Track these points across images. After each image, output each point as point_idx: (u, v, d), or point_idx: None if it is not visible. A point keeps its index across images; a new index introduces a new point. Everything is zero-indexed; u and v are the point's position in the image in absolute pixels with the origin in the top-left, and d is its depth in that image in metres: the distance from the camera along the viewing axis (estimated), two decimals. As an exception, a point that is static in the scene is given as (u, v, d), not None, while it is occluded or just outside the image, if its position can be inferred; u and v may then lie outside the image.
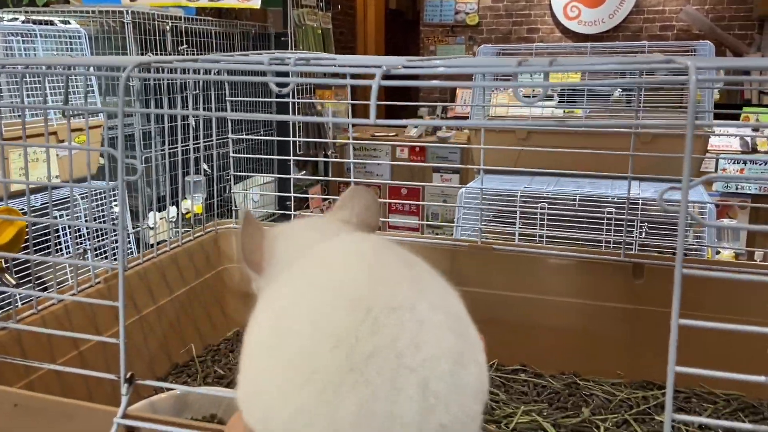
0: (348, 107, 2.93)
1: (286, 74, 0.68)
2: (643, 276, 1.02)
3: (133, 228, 2.30)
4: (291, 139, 1.66)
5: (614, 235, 1.66)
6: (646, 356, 1.03)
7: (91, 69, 0.65)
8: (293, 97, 2.95)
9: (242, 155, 1.34)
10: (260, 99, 1.80)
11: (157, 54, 2.42)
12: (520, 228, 1.73)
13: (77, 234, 1.96)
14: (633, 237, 1.11)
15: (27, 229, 0.81)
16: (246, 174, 2.19)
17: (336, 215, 0.60)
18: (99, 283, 0.93)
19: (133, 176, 0.57)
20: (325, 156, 3.08)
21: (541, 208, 1.78)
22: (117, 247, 0.61)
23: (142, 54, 2.36)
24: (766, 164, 3.35)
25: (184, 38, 2.50)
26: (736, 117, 3.98)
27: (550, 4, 4.90)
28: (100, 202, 2.18)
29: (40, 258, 0.73)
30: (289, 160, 1.57)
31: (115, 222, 0.98)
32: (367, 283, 0.41)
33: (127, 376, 0.60)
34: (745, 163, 3.48)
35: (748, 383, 0.98)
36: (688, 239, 2.30)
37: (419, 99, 5.28)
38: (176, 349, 1.07)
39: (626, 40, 4.57)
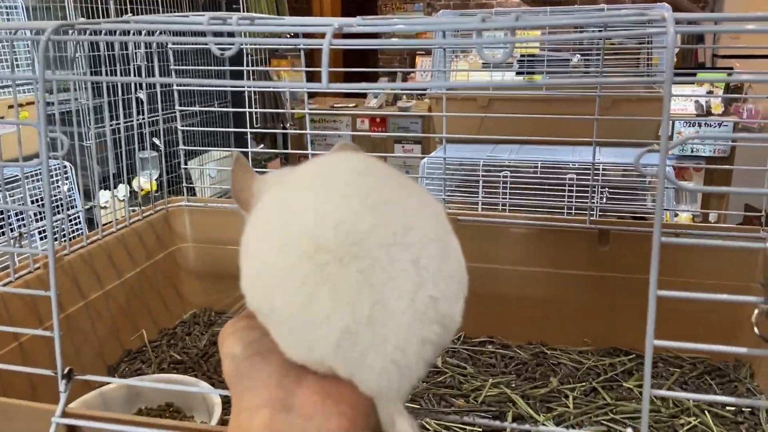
0: (303, 75, 2.85)
1: (231, 37, 0.62)
2: (608, 242, 1.01)
3: (84, 207, 2.21)
4: (247, 110, 1.60)
5: (576, 201, 1.65)
6: (612, 323, 1.02)
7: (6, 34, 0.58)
8: (246, 66, 2.86)
9: (194, 128, 1.27)
10: (212, 68, 1.71)
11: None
12: (483, 197, 1.71)
13: (19, 216, 1.86)
14: (598, 203, 1.09)
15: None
16: (202, 149, 2.11)
17: None
18: (39, 268, 0.86)
19: (60, 152, 0.52)
20: (283, 128, 3.00)
21: (504, 177, 1.76)
22: (67, 228, 0.55)
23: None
24: (720, 126, 3.40)
25: (128, 6, 2.37)
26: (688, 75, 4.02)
27: (507, -30, 4.84)
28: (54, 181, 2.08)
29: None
30: (246, 134, 1.51)
31: (60, 203, 0.92)
32: (363, 179, 0.44)
33: (65, 371, 0.55)
34: (700, 125, 3.53)
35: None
36: (646, 203, 2.32)
37: (378, 66, 5.19)
38: (128, 335, 1.02)
39: (584, 3, 4.56)
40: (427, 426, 0.81)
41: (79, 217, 2.31)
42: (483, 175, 1.76)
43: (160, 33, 0.76)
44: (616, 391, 0.90)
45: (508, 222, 1.04)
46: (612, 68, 2.33)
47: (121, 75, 1.03)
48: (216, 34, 0.53)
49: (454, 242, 0.44)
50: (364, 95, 4.08)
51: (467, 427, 0.82)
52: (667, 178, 0.40)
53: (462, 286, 0.43)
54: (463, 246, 0.44)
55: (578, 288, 1.02)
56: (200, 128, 1.20)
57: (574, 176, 1.98)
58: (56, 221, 0.95)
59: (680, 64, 4.30)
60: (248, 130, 1.28)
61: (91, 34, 0.57)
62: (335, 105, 3.53)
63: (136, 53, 0.96)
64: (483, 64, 2.48)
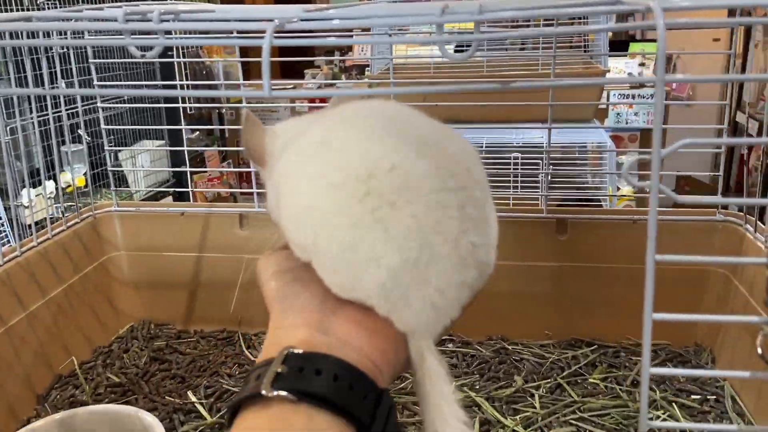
0: (239, 66, 2.72)
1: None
2: (566, 231, 0.98)
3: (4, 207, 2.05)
4: (178, 92, 1.49)
5: (524, 189, 1.63)
6: (572, 313, 1.00)
7: None
8: (178, 55, 2.70)
9: (122, 127, 1.17)
10: (138, 60, 1.59)
11: (8, 12, 2.11)
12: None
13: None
14: (555, 192, 1.06)
15: None
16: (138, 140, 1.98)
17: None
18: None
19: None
20: (220, 117, 2.87)
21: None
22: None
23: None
24: (652, 97, 3.47)
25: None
26: (621, 49, 4.09)
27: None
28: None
29: None
30: (179, 120, 1.41)
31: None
32: (405, 123, 0.45)
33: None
34: (633, 97, 3.59)
35: (674, 332, 0.98)
36: (587, 180, 2.34)
37: (314, 49, 5.06)
38: (58, 359, 0.93)
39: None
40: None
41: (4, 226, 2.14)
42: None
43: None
44: (581, 386, 0.88)
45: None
46: (549, 44, 2.32)
47: (34, 68, 0.93)
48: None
49: (488, 188, 0.46)
50: (302, 75, 3.96)
51: (433, 438, 0.77)
52: (661, 189, 0.36)
53: (496, 234, 0.45)
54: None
55: (537, 279, 0.99)
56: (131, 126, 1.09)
57: (519, 155, 1.96)
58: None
59: (611, 38, 4.36)
60: (183, 127, 1.19)
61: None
62: (273, 89, 3.40)
63: (39, 58, 0.86)
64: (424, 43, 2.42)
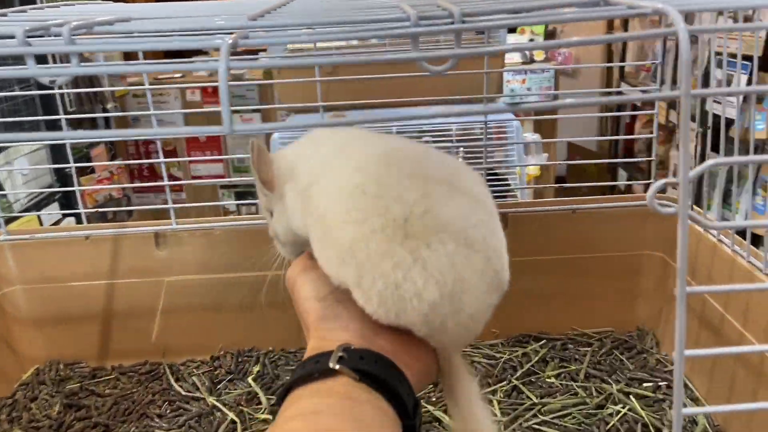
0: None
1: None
2: (507, 226, 0.95)
3: None
4: (56, 92, 1.32)
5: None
6: (517, 309, 0.97)
7: None
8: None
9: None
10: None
11: None
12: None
13: None
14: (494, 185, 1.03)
15: None
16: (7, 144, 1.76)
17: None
18: None
19: None
20: (104, 110, 2.64)
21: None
22: None
23: None
24: (543, 72, 3.58)
25: None
26: (513, 30, 4.19)
27: None
28: None
29: None
30: (59, 119, 1.25)
31: None
32: (423, 162, 0.50)
33: None
34: (526, 73, 3.68)
35: (615, 317, 0.98)
36: (494, 155, 2.36)
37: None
38: (-49, 422, 0.79)
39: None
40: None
41: None
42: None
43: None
44: (536, 385, 0.86)
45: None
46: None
47: None
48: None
49: (497, 213, 0.50)
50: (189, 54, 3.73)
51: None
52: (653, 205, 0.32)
53: (506, 253, 0.49)
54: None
55: (480, 277, 0.96)
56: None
57: (430, 139, 1.93)
58: None
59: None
60: (62, 116, 1.04)
61: None
62: (160, 77, 3.18)
63: None
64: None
